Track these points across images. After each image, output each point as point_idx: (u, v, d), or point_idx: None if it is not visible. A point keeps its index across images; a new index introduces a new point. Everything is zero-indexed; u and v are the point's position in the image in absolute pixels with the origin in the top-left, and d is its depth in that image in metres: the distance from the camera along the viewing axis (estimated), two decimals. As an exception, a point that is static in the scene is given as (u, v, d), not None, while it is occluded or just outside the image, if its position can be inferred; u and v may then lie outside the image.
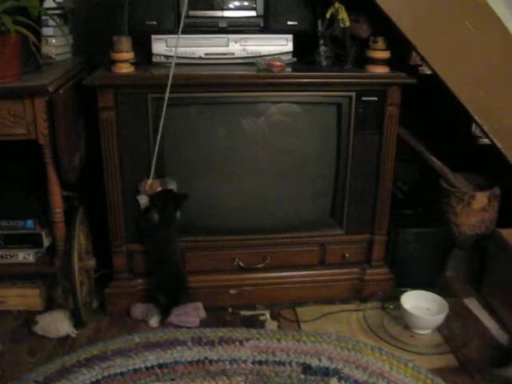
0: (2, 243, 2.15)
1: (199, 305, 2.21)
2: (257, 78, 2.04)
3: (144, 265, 2.21)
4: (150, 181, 2.07)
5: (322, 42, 2.15)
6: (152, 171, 2.05)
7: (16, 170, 2.24)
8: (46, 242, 2.17)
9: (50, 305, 2.23)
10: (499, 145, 2.24)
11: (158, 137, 2.01)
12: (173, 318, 2.14)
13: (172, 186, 2.11)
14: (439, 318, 2.11)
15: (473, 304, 2.34)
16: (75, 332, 2.10)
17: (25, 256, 2.14)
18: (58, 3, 2.19)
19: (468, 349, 2.05)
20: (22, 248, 2.15)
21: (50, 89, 1.84)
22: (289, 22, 2.15)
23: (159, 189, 2.09)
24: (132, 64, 2.04)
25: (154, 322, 2.15)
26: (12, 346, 2.04)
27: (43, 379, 1.86)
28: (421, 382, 1.87)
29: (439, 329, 2.14)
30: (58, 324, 2.08)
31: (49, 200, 2.04)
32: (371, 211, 2.26)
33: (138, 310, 2.19)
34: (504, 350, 2.02)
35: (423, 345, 2.07)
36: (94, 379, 1.87)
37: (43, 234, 2.16)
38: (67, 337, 2.08)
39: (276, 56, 2.15)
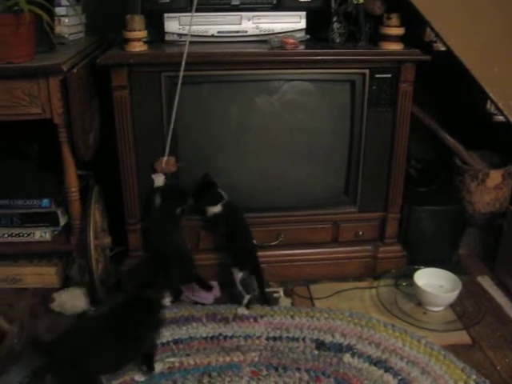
0: (18, 222, 2.18)
1: (215, 284, 2.24)
2: (270, 55, 2.04)
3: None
4: (165, 158, 2.07)
5: (335, 18, 2.13)
6: (167, 148, 2.06)
7: (32, 150, 2.26)
8: (62, 221, 2.20)
9: (66, 282, 2.27)
10: (514, 122, 2.23)
11: (173, 115, 2.01)
12: (188, 294, 2.17)
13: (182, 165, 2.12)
14: (452, 296, 2.12)
15: (486, 282, 2.34)
16: (92, 309, 2.13)
17: (41, 234, 2.17)
18: (71, -18, 2.19)
19: (481, 326, 2.06)
20: (39, 226, 2.18)
21: (64, 68, 1.85)
22: (302, -1, 2.14)
23: (174, 168, 2.10)
24: (145, 43, 2.04)
25: (165, 301, 2.16)
26: (30, 322, 2.08)
27: (61, 355, 1.89)
28: (433, 358, 1.88)
29: (452, 306, 2.15)
30: (74, 301, 2.11)
31: (64, 179, 2.06)
32: (385, 189, 2.26)
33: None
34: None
35: (436, 322, 2.09)
36: (110, 355, 1.90)
37: (59, 212, 2.19)
38: (84, 313, 2.11)
39: (289, 33, 2.13)
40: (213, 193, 2.12)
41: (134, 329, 1.68)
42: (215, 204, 2.12)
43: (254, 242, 2.15)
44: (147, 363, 1.81)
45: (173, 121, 2.02)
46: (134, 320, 1.69)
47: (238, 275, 2.09)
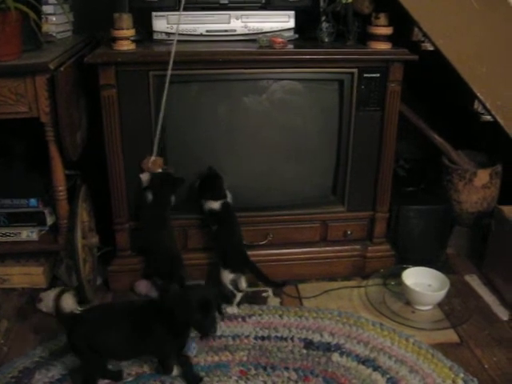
0: (5, 221, 2.16)
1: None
2: (258, 54, 2.03)
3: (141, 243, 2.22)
4: (152, 158, 2.07)
5: (324, 18, 2.13)
6: (155, 148, 2.05)
7: (19, 149, 2.24)
8: (49, 220, 2.19)
9: (53, 282, 2.26)
10: (501, 122, 2.23)
11: (161, 114, 2.00)
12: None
13: (171, 170, 2.11)
14: (440, 294, 2.13)
15: (474, 281, 2.35)
16: (79, 309, 2.11)
17: (28, 234, 2.15)
18: (58, -20, 2.17)
19: (468, 324, 2.07)
20: (26, 226, 2.16)
21: (51, 66, 1.84)
22: (290, -2, 2.14)
23: (160, 169, 2.09)
24: (133, 41, 2.03)
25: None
26: (17, 322, 2.07)
27: (48, 355, 1.89)
28: (422, 356, 1.89)
29: (440, 305, 2.16)
30: (62, 301, 2.10)
31: (51, 178, 2.05)
32: (373, 188, 2.26)
33: (142, 285, 2.21)
34: None
35: (424, 320, 2.09)
36: (98, 355, 1.89)
37: (46, 212, 2.17)
38: (71, 313, 2.09)
39: (278, 33, 2.13)
40: (219, 187, 2.11)
41: (149, 327, 1.71)
42: (217, 199, 2.10)
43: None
44: (163, 367, 1.81)
45: (161, 120, 2.01)
46: (153, 318, 1.71)
47: (228, 277, 2.08)
